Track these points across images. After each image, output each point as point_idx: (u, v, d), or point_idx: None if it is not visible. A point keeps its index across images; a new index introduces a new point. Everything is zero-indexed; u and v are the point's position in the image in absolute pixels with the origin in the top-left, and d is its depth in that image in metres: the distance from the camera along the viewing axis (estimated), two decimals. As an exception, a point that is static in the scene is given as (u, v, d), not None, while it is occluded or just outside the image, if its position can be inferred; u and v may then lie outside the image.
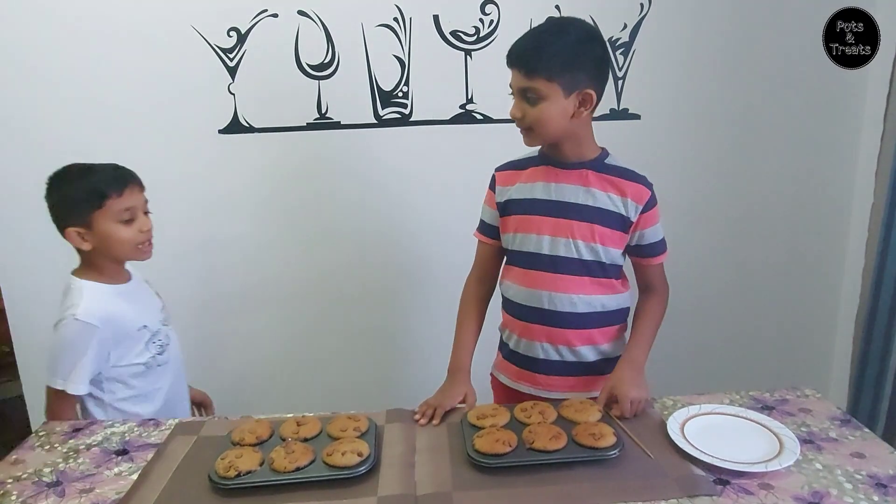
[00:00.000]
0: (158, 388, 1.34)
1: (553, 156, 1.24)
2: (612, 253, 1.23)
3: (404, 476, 0.98)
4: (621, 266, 1.27)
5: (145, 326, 1.30)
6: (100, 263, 1.28)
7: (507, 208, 1.28)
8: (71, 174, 1.26)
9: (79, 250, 1.27)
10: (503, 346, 1.36)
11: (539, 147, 1.27)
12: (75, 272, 1.29)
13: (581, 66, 1.13)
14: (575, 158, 1.22)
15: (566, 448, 0.99)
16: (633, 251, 1.27)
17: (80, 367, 1.22)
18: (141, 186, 1.29)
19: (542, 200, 1.23)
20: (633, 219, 1.21)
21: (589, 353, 1.27)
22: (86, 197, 1.22)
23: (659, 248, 1.27)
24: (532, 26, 1.19)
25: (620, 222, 1.21)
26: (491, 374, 1.42)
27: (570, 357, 1.26)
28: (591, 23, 1.71)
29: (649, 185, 1.23)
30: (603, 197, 1.21)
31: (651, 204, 1.22)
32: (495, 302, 1.39)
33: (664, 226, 1.64)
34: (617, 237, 1.22)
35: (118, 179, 1.24)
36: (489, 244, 1.35)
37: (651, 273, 1.30)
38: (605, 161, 1.23)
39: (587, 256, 1.22)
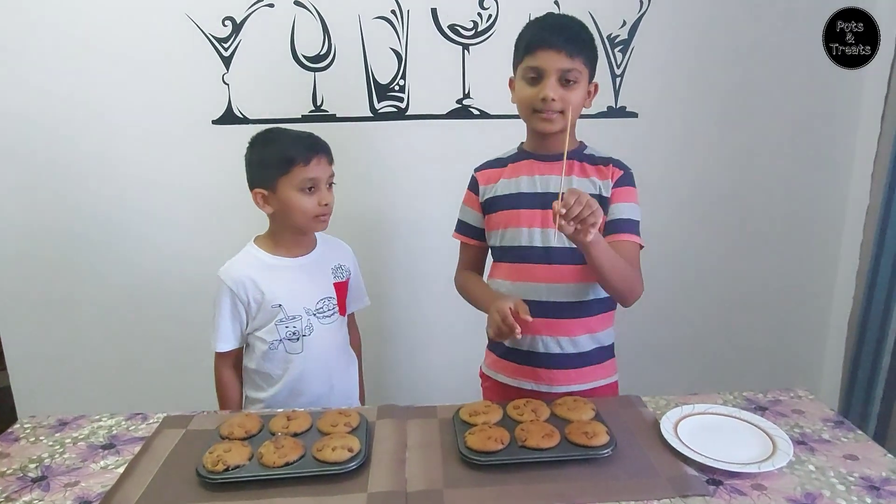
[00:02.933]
0: (279, 374, 1.32)
1: (537, 150, 1.26)
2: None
3: (395, 472, 0.97)
4: None
5: (280, 306, 1.29)
6: (278, 232, 1.32)
7: (492, 206, 1.28)
8: (267, 137, 1.29)
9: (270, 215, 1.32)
10: (497, 345, 1.34)
11: (520, 143, 1.31)
12: (257, 236, 1.35)
13: (596, 55, 1.20)
14: (559, 149, 1.21)
15: (559, 446, 0.98)
16: (605, 229, 1.23)
17: (218, 324, 1.31)
18: (330, 159, 1.30)
19: (528, 194, 1.25)
20: (608, 195, 1.23)
21: (587, 343, 1.27)
22: (274, 162, 1.25)
23: (628, 226, 1.22)
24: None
25: (603, 204, 1.23)
26: (481, 374, 1.41)
27: (569, 348, 1.26)
28: (591, 19, 1.72)
29: (625, 168, 1.25)
30: (586, 182, 1.24)
31: (623, 181, 1.24)
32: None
33: (659, 222, 1.64)
34: (603, 220, 1.22)
35: (308, 148, 1.25)
36: (474, 245, 1.35)
37: (622, 252, 1.18)
38: (585, 151, 1.27)
39: None
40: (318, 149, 1.27)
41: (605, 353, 1.30)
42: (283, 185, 1.26)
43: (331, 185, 1.31)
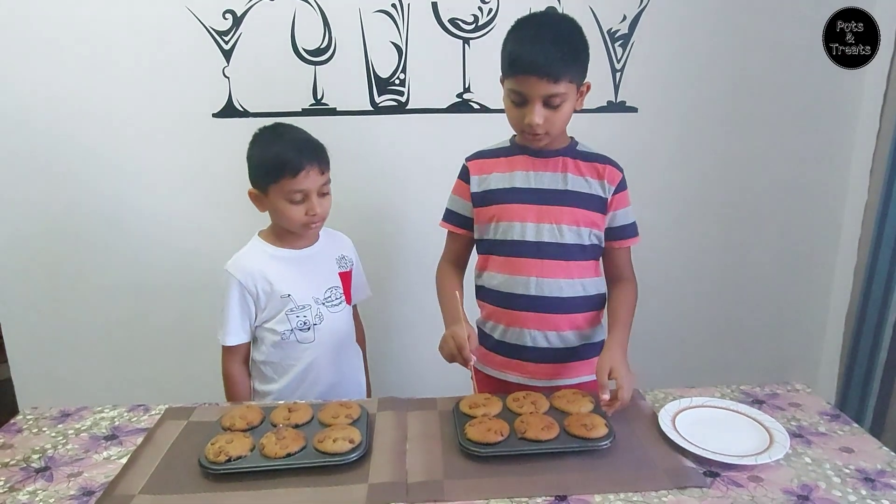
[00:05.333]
0: (291, 364, 1.34)
1: (529, 146, 1.26)
2: (593, 235, 1.26)
3: (395, 463, 0.97)
4: (600, 249, 1.29)
5: (289, 295, 1.30)
6: (279, 227, 1.34)
7: (485, 198, 1.28)
8: (266, 137, 1.29)
9: None
10: (486, 338, 1.36)
11: (512, 136, 1.30)
12: (261, 230, 1.37)
13: (586, 61, 1.18)
14: (552, 147, 1.25)
15: (558, 438, 0.99)
16: (605, 235, 1.28)
17: (227, 318, 1.31)
18: (321, 169, 1.28)
19: (522, 189, 1.25)
20: (609, 198, 1.24)
21: (573, 338, 1.29)
22: (265, 167, 1.26)
23: (629, 231, 1.29)
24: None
25: (600, 204, 1.25)
26: (473, 367, 1.42)
27: (557, 343, 1.28)
28: (591, 14, 1.72)
29: (621, 169, 1.27)
30: (581, 181, 1.24)
31: (622, 186, 1.26)
32: (470, 296, 1.38)
33: (658, 216, 1.64)
34: (598, 219, 1.25)
35: (298, 160, 1.23)
36: (462, 235, 1.35)
37: (621, 258, 1.31)
38: (578, 148, 1.27)
39: (570, 240, 1.24)
40: (309, 160, 1.25)
41: (593, 350, 1.31)
42: (272, 192, 1.27)
43: (324, 193, 1.31)
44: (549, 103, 1.13)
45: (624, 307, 1.27)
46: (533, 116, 1.13)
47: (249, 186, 1.33)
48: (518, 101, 1.15)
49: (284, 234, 1.34)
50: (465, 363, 1.14)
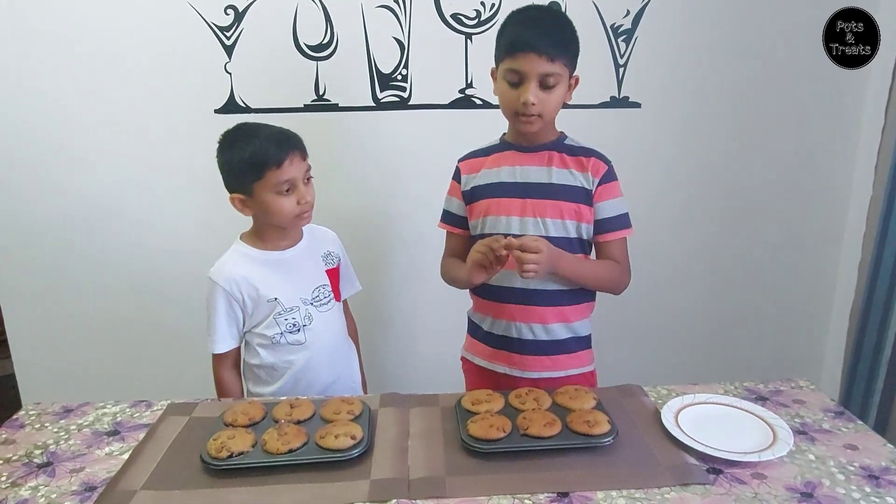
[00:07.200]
0: (284, 367, 1.32)
1: (518, 141, 1.28)
2: (580, 227, 1.26)
3: (397, 460, 0.97)
4: (587, 242, 1.29)
5: (276, 299, 1.28)
6: (263, 228, 1.31)
7: (473, 195, 1.30)
8: (236, 139, 1.24)
9: None
10: (476, 329, 1.38)
11: (502, 134, 1.32)
12: (242, 233, 1.34)
13: (577, 53, 1.21)
14: (539, 141, 1.26)
15: (560, 435, 0.99)
16: (595, 227, 1.28)
17: (214, 326, 1.30)
18: (303, 155, 1.25)
19: (508, 183, 1.27)
20: (593, 189, 1.25)
21: (561, 331, 1.29)
22: (247, 167, 1.21)
23: (618, 222, 1.28)
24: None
25: (584, 196, 1.25)
26: (462, 358, 1.44)
27: (542, 336, 1.28)
28: (594, 8, 1.71)
29: (608, 161, 1.27)
30: (566, 174, 1.25)
31: (608, 178, 1.26)
32: (464, 292, 1.39)
33: (661, 212, 1.62)
34: (584, 210, 1.26)
35: (278, 150, 1.21)
36: (459, 234, 1.37)
37: (613, 250, 1.29)
38: (565, 142, 1.29)
39: (555, 233, 1.25)
40: (288, 148, 1.22)
41: (579, 343, 1.32)
42: (259, 190, 1.22)
43: (308, 178, 1.28)
44: (544, 83, 1.15)
45: (598, 263, 1.29)
46: (528, 95, 1.15)
47: (231, 195, 1.26)
48: (514, 82, 1.17)
49: (267, 235, 1.31)
50: (499, 247, 1.14)
